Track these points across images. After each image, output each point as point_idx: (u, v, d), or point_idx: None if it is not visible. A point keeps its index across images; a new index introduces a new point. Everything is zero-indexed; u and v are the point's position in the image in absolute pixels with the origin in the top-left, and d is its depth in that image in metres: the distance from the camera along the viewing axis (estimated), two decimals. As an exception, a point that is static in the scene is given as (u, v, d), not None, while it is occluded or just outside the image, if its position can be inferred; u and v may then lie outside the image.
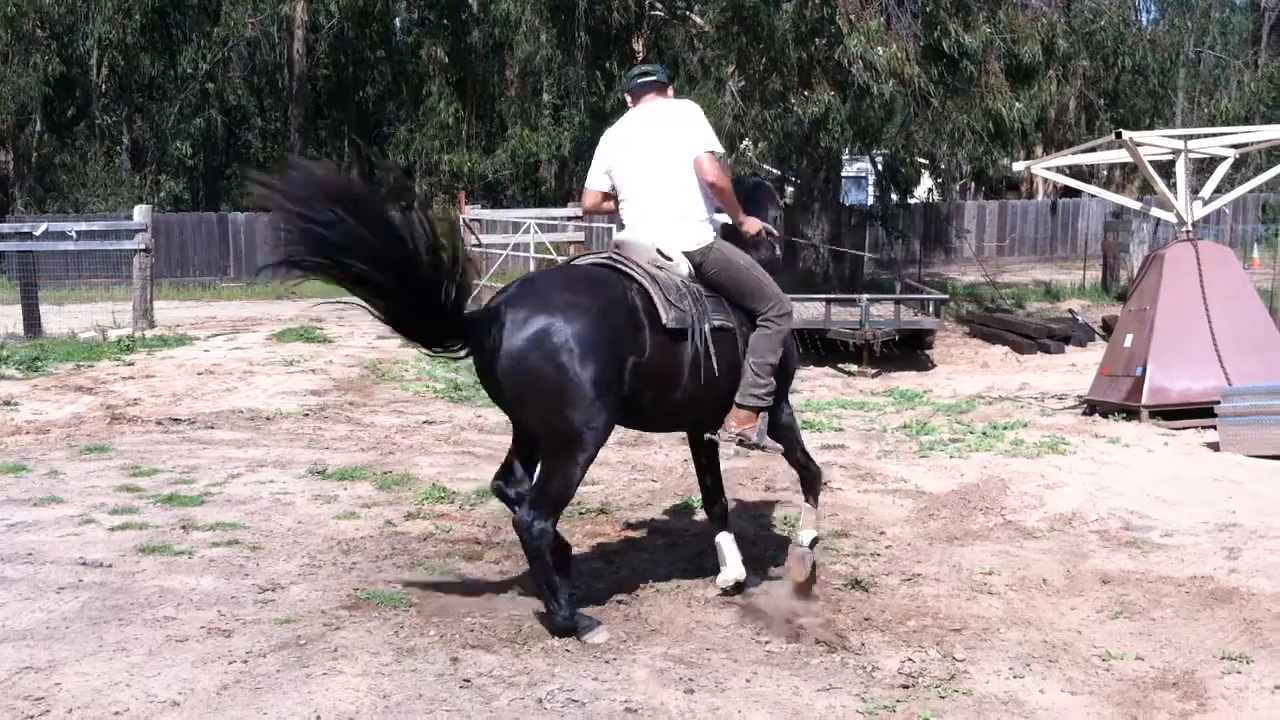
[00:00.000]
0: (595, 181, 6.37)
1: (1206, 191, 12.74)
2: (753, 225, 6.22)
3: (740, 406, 5.90)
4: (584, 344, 5.34)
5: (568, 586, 5.69)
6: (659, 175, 6.03)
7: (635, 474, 9.06)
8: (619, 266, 5.81)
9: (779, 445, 6.15)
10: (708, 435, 6.14)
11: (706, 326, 5.76)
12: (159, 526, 7.46)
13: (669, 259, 5.89)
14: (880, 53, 17.81)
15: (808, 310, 17.00)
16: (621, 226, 6.25)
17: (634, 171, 6.11)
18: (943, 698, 4.96)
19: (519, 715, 4.69)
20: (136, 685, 4.96)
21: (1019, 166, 14.98)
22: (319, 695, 4.85)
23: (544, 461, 5.59)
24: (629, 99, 6.41)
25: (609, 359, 5.41)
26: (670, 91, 6.36)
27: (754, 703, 4.85)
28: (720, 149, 6.12)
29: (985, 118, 19.70)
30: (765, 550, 6.92)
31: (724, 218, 6.24)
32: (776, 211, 6.70)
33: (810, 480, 6.49)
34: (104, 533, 7.30)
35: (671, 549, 7.06)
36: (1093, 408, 11.98)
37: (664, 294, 5.68)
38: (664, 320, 5.62)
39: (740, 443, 5.97)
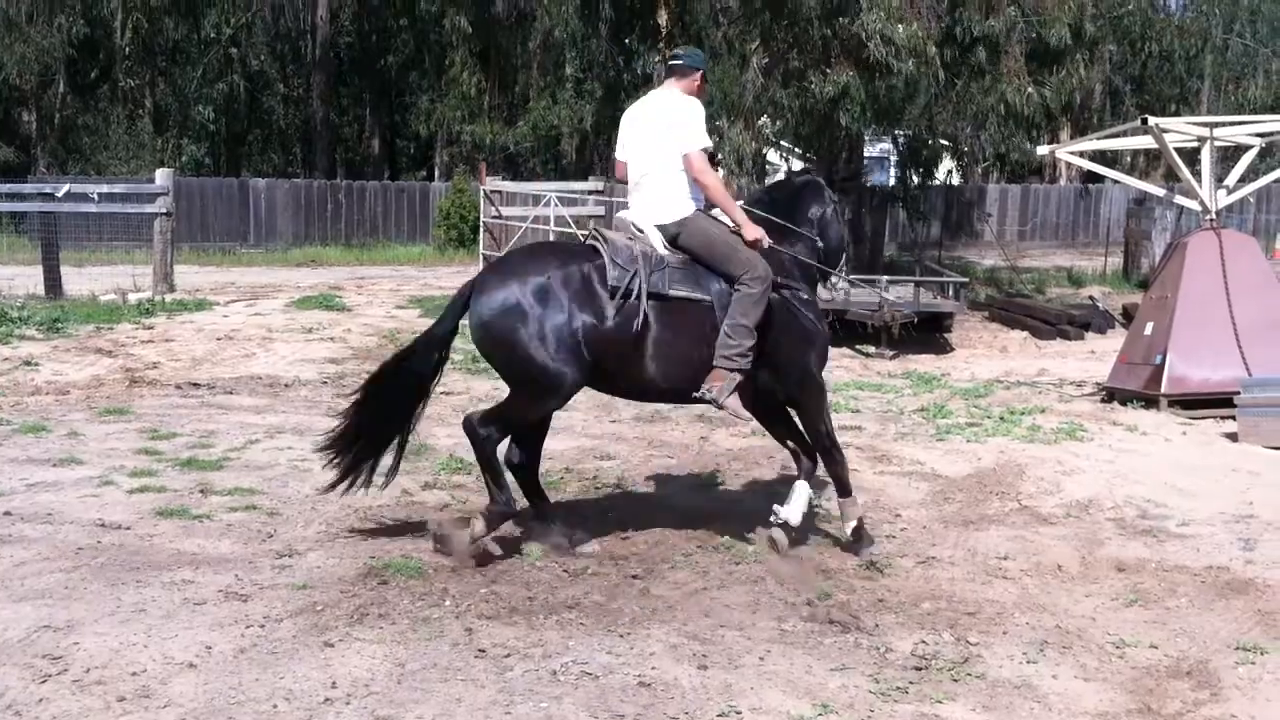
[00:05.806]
0: (620, 153, 6.85)
1: (1231, 180, 12.65)
2: (750, 231, 6.46)
3: (715, 365, 6.27)
4: (534, 306, 6.04)
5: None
6: (647, 161, 6.56)
7: (652, 450, 9.07)
8: (593, 240, 6.43)
9: (745, 414, 6.60)
10: (695, 394, 6.39)
11: (660, 289, 6.21)
12: (177, 490, 7.51)
13: (640, 231, 6.44)
14: (900, 30, 17.62)
15: (827, 290, 16.78)
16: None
17: (633, 155, 6.67)
18: (955, 680, 4.97)
19: (533, 686, 4.71)
20: (154, 646, 5.00)
21: (1043, 150, 14.90)
22: (335, 662, 4.89)
23: (509, 394, 6.45)
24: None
25: (560, 318, 6.04)
26: (697, 77, 6.72)
27: (766, 680, 4.86)
28: (708, 144, 6.52)
29: (1001, 103, 19.47)
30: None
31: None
32: (821, 209, 6.94)
33: (827, 462, 6.76)
34: (123, 494, 7.36)
35: (686, 526, 7.07)
36: (1111, 395, 11.93)
37: (613, 259, 6.20)
38: (609, 280, 6.14)
39: (702, 399, 6.36)
